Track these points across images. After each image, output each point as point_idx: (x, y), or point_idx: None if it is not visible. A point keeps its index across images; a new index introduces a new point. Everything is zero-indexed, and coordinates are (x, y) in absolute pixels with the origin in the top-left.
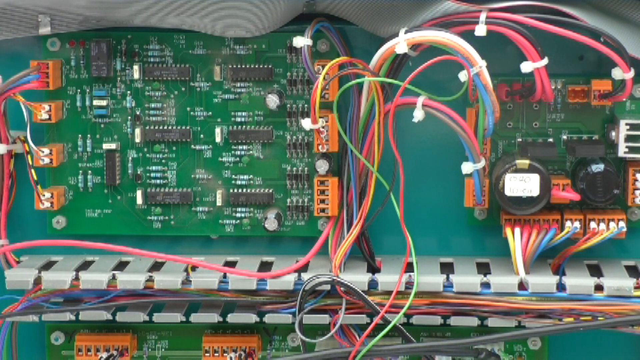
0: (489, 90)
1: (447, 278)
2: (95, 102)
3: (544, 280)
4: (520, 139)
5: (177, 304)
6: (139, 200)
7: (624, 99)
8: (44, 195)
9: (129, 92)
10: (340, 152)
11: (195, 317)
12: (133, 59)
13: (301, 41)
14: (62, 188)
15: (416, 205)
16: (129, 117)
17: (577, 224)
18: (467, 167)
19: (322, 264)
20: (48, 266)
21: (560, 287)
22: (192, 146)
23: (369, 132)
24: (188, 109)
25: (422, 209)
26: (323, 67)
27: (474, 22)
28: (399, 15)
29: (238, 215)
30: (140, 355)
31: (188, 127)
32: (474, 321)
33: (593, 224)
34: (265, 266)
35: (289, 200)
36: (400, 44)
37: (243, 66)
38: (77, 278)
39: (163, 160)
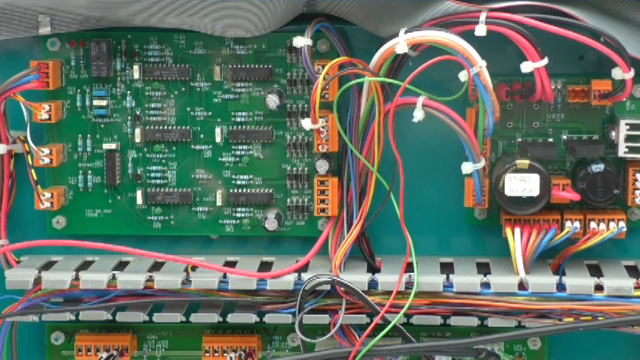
0: (489, 90)
1: (447, 278)
2: (95, 102)
3: (544, 280)
4: (520, 139)
5: (177, 304)
6: (139, 200)
7: (624, 99)
8: (44, 195)
9: (129, 92)
10: (340, 152)
11: (195, 317)
12: (133, 59)
13: (301, 41)
14: (62, 188)
15: (416, 205)
16: (129, 117)
17: (577, 224)
18: (467, 167)
19: (322, 264)
20: (48, 266)
21: (560, 287)
22: (192, 146)
23: (369, 132)
24: (188, 109)
25: (422, 209)
26: (323, 67)
27: (474, 22)
28: (399, 15)
29: (238, 215)
30: (140, 355)
31: (188, 127)
32: (474, 321)
33: (593, 224)
34: (265, 266)
35: (289, 200)
36: (400, 44)
37: (243, 66)
38: (77, 278)
39: (163, 160)
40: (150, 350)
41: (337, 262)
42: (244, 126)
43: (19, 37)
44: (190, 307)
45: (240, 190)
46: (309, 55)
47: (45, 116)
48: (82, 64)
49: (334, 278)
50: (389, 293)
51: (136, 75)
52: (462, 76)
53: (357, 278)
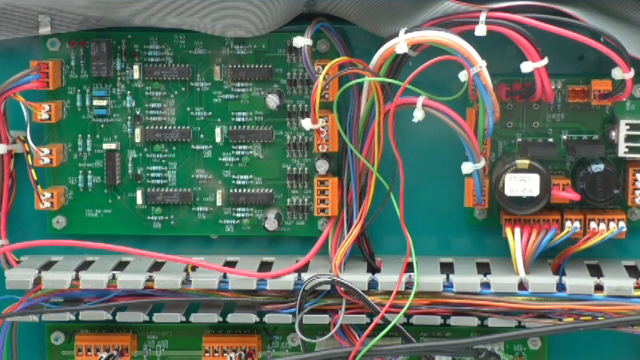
0: (489, 90)
1: (447, 278)
2: (95, 102)
3: (544, 280)
4: (520, 139)
5: (177, 304)
6: (139, 200)
7: (624, 99)
8: (44, 195)
9: (129, 92)
10: (340, 152)
11: (195, 317)
12: (133, 59)
13: (301, 41)
14: (62, 188)
15: (416, 205)
16: (129, 117)
17: (577, 224)
18: (467, 167)
19: (322, 264)
20: (48, 266)
21: (560, 287)
22: (192, 146)
23: (369, 132)
24: (188, 109)
25: (422, 209)
26: (323, 67)
27: (474, 22)
28: (399, 15)
29: (238, 215)
30: (140, 355)
31: (188, 127)
32: (474, 321)
33: (593, 224)
34: (265, 266)
35: (289, 200)
36: (400, 44)
37: (243, 66)
38: (77, 278)
39: (163, 160)
40: (150, 350)
41: (337, 262)
42: (244, 126)
43: (19, 37)
44: (190, 307)
45: (240, 190)
46: (309, 55)
47: (45, 116)
48: (82, 64)
49: (334, 278)
50: (389, 293)
51: (136, 75)
52: (462, 76)
53: (357, 278)
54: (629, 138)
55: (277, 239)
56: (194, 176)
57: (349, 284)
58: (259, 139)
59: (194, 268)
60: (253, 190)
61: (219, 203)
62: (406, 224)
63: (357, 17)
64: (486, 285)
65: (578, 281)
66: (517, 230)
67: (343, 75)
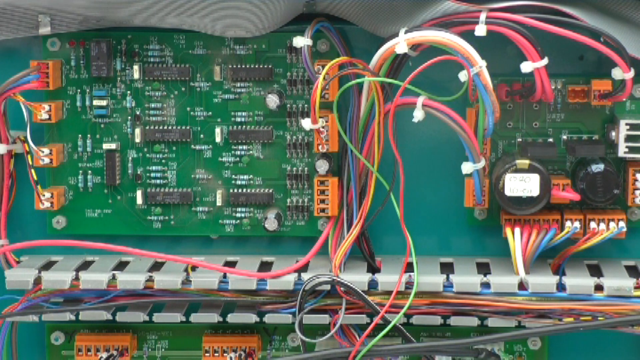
0: (489, 90)
1: (447, 278)
2: (95, 102)
3: (544, 280)
4: (520, 139)
5: (177, 304)
6: (139, 200)
7: (624, 99)
8: (44, 195)
9: (129, 92)
10: (340, 152)
11: (195, 317)
12: (133, 59)
13: (301, 41)
14: (62, 188)
15: (416, 205)
16: (129, 117)
17: (577, 224)
18: (467, 167)
19: (322, 264)
20: (48, 266)
21: (560, 287)
22: (192, 146)
23: (369, 132)
24: (188, 109)
25: (422, 209)
26: (323, 67)
27: (474, 22)
28: (399, 15)
29: (238, 215)
30: (140, 355)
31: (188, 127)
32: (474, 321)
33: (593, 224)
34: (265, 266)
35: (289, 200)
36: (400, 44)
37: (243, 66)
38: (77, 278)
39: (163, 160)
40: (150, 350)
41: (337, 262)
42: (244, 126)
43: (19, 37)
44: (190, 307)
45: (240, 190)
46: (309, 55)
47: (45, 116)
48: (82, 64)
49: (334, 278)
50: (389, 293)
51: (136, 75)
52: (462, 76)
53: (357, 278)
54: (629, 138)
55: (277, 239)
56: (194, 176)
57: (349, 284)
58: (259, 139)
59: (194, 268)
60: (253, 190)
61: (219, 203)
62: (406, 224)
63: (357, 17)
64: (486, 285)
65: (578, 281)
66: (517, 230)
67: (343, 75)
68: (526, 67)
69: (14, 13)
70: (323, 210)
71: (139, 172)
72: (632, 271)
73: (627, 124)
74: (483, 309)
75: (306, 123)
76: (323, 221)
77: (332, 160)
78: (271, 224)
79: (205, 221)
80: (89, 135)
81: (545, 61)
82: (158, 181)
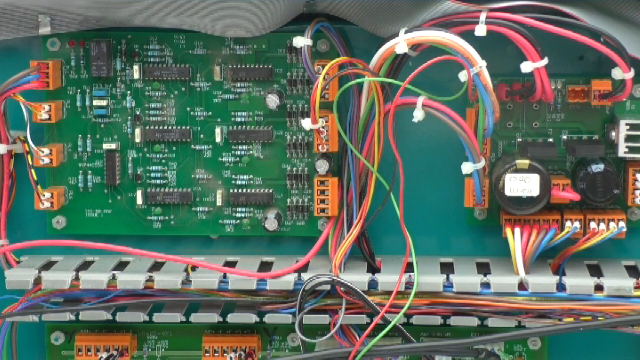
0: (489, 90)
1: (447, 278)
2: (95, 102)
3: (544, 280)
4: (520, 139)
5: (177, 304)
6: (139, 200)
7: (624, 99)
8: (44, 195)
9: (129, 92)
10: (340, 152)
11: (195, 317)
12: (133, 59)
13: (301, 41)
14: (62, 188)
15: (416, 205)
16: (129, 117)
17: (577, 224)
18: (467, 167)
19: (322, 264)
20: (48, 266)
21: (560, 287)
22: (192, 146)
23: (369, 132)
24: (188, 109)
25: (422, 209)
26: (323, 67)
27: (474, 22)
28: (399, 15)
29: (238, 215)
30: (140, 355)
31: (188, 127)
32: (474, 321)
33: (593, 224)
34: (265, 266)
35: (289, 200)
36: (400, 44)
37: (243, 66)
38: (77, 278)
39: (163, 160)
40: (150, 350)
41: (337, 262)
42: (244, 126)
43: (19, 37)
44: (190, 307)
45: (240, 190)
46: (309, 55)
47: (45, 116)
48: (82, 64)
49: (334, 278)
50: (389, 293)
51: (136, 75)
52: (462, 76)
53: (357, 278)
54: (629, 138)
55: (277, 239)
56: (194, 176)
57: (349, 284)
58: (259, 139)
59: (194, 268)
60: (253, 190)
61: (219, 203)
62: (406, 224)
63: (357, 17)
64: (486, 285)
65: (578, 281)
66: (517, 230)
67: (343, 75)
68: (526, 67)
69: (14, 13)
70: (323, 210)
71: (139, 172)
72: (632, 271)
73: (627, 124)
74: (483, 309)
75: (306, 123)
76: (323, 221)
77: (332, 160)
78: (271, 224)
79: (205, 221)
80: (89, 135)
81: (545, 61)
82: (158, 181)
